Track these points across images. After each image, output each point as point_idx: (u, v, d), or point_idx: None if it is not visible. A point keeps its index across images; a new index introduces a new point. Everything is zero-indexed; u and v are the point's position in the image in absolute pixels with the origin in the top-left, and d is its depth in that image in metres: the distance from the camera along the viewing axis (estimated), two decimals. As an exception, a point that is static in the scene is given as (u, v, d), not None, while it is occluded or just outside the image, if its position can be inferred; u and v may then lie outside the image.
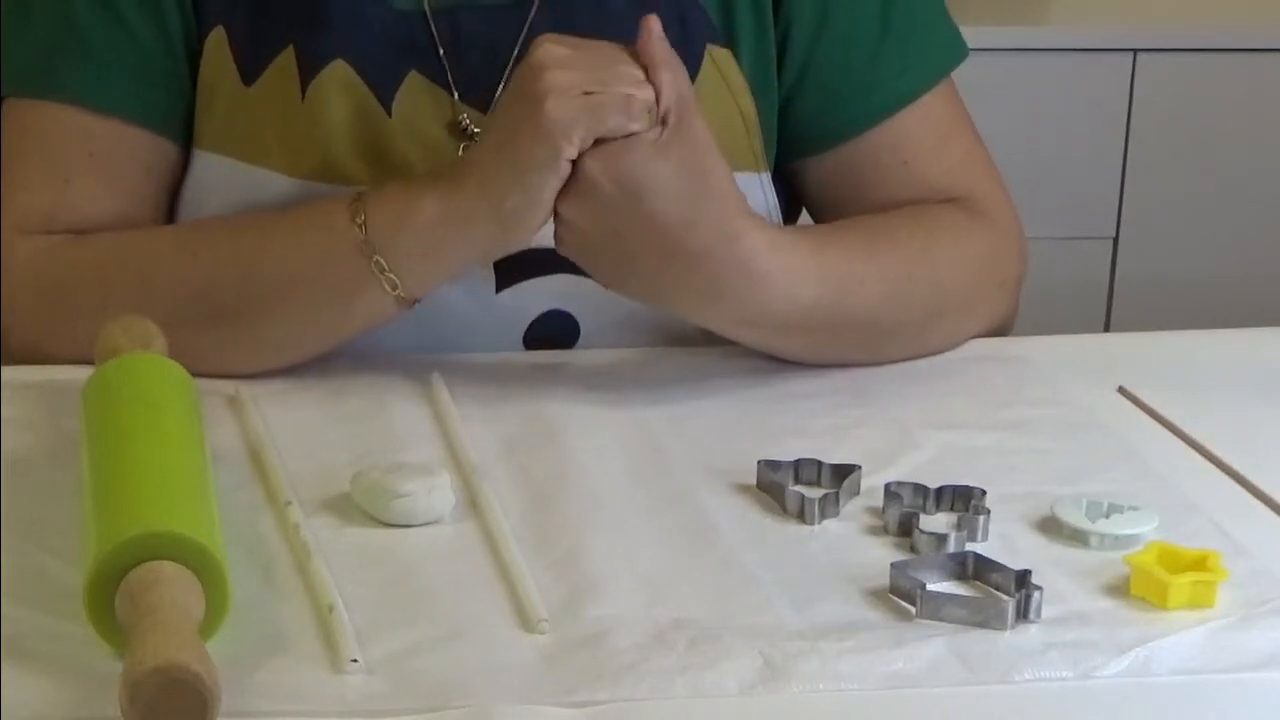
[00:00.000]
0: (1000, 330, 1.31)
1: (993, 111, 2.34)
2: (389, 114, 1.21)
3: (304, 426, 1.12)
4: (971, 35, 2.36)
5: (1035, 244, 2.37)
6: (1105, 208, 2.44)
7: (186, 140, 1.24)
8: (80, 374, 1.07)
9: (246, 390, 1.14)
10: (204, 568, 0.85)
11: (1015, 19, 2.50)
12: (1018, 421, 1.17)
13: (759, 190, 1.27)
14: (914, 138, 1.30)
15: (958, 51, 1.35)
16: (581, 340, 1.26)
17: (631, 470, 1.07)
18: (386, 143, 1.21)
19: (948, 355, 1.28)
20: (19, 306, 1.20)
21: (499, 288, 1.23)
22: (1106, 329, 2.45)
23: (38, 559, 0.94)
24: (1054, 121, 2.39)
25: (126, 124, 1.22)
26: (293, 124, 1.21)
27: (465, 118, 1.22)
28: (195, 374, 1.07)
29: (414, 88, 1.22)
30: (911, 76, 1.30)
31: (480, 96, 1.23)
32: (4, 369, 1.15)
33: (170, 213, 1.26)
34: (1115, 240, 2.45)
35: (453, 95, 1.23)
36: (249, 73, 1.22)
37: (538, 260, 1.20)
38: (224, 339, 1.17)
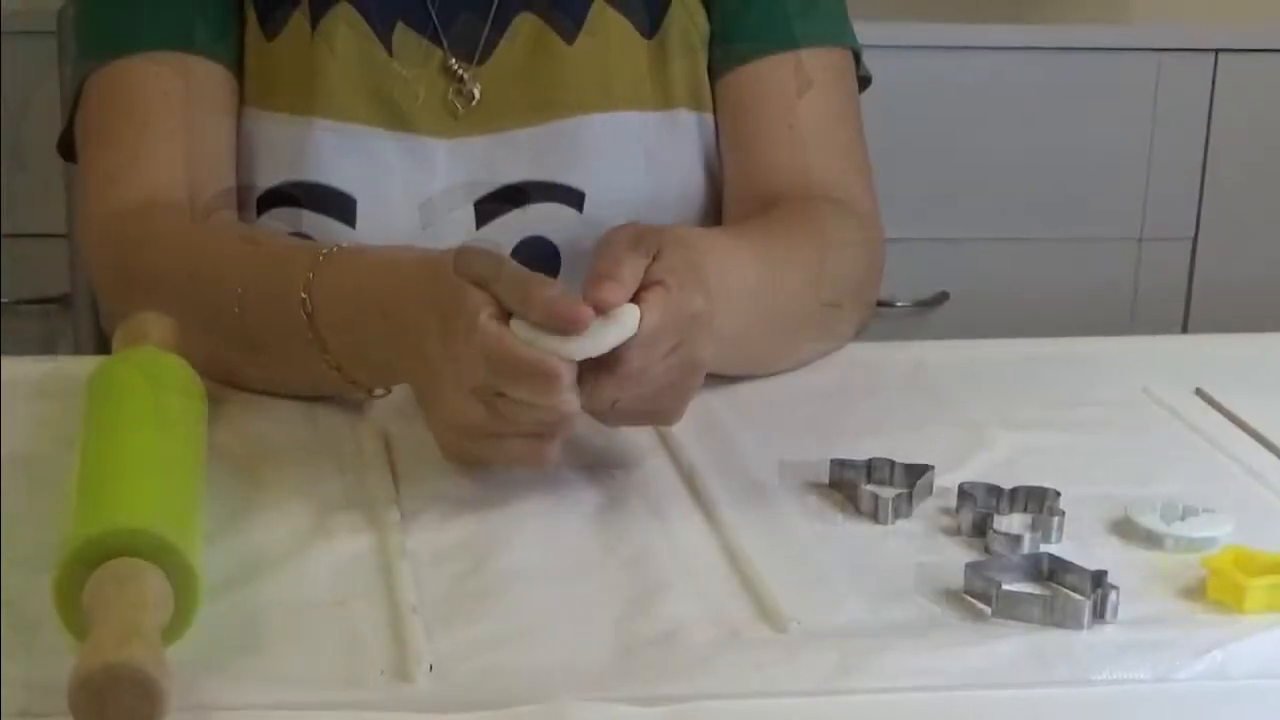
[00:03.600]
0: (866, 322, 1.34)
1: (1072, 110, 2.35)
2: (390, 54, 1.31)
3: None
4: (1051, 34, 2.38)
5: (1113, 245, 2.41)
6: (1185, 208, 2.43)
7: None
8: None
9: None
10: (172, 566, 0.85)
11: (1095, 17, 2.49)
12: (1091, 422, 1.17)
13: (711, 132, 1.35)
14: (803, 99, 1.35)
15: (855, 40, 1.41)
16: (563, 270, 1.31)
17: (701, 467, 1.08)
18: (387, 82, 1.31)
19: (1017, 353, 1.29)
20: (99, 274, 1.28)
21: (479, 225, 1.32)
22: (1184, 330, 2.44)
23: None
24: (1134, 121, 2.38)
25: (198, 57, 1.30)
26: (304, 64, 1.30)
27: (455, 62, 1.32)
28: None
29: (404, 35, 1.32)
30: (812, 24, 1.37)
31: (465, 51, 1.33)
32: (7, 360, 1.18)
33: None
34: (1194, 241, 2.43)
35: (442, 46, 1.33)
36: (270, 27, 1.32)
37: (510, 195, 1.31)
38: (238, 365, 1.18)
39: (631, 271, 1.01)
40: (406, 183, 1.32)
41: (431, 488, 1.04)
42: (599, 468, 1.08)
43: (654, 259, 1.03)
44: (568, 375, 0.98)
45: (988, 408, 1.19)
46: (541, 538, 1.00)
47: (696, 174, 1.36)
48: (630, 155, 1.33)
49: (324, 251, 1.13)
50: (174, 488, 0.93)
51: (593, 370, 1.00)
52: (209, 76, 1.32)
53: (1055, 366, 1.27)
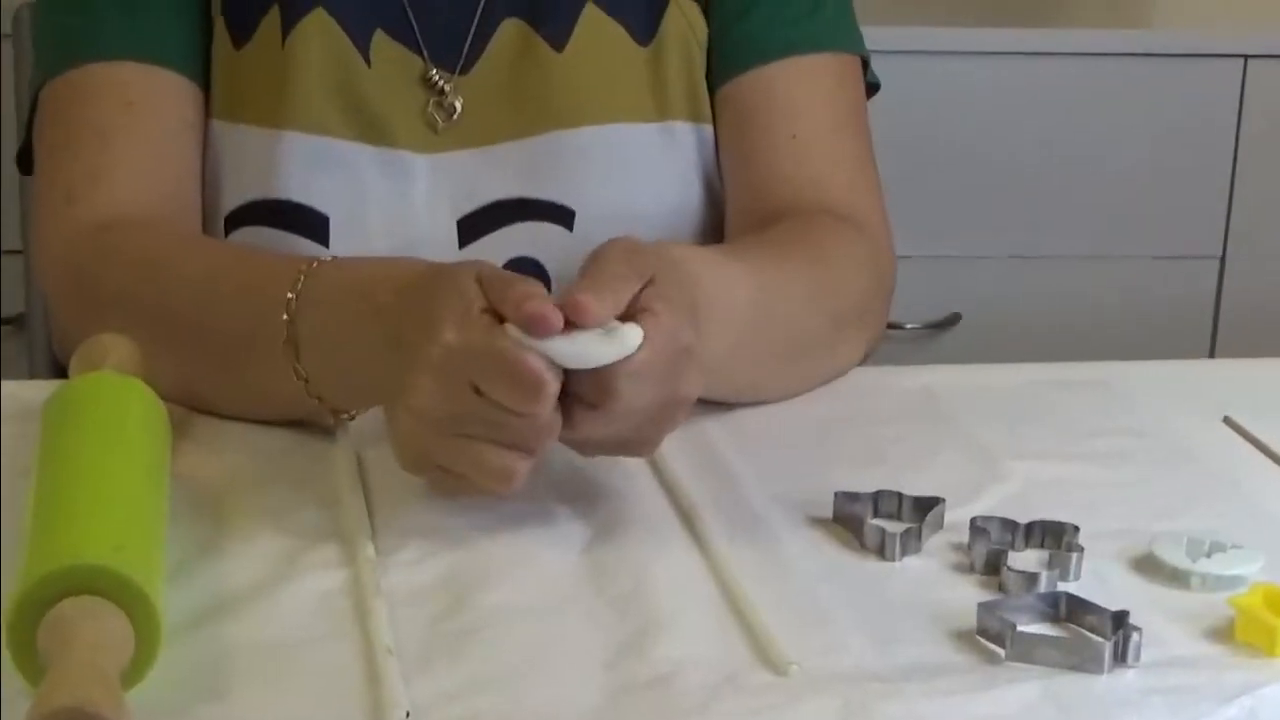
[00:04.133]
0: (875, 346, 1.34)
1: (1091, 120, 2.36)
2: (368, 64, 1.31)
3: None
4: (1068, 39, 2.38)
5: (1137, 263, 2.42)
6: (1212, 224, 2.43)
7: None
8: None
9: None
10: (133, 604, 0.85)
11: (1116, 21, 2.50)
12: (1113, 452, 1.17)
13: (710, 145, 1.36)
14: (806, 107, 1.36)
15: (863, 48, 1.42)
16: (554, 292, 1.29)
17: (698, 500, 1.08)
18: (364, 93, 1.31)
19: (1033, 379, 1.29)
20: (56, 295, 1.28)
21: (461, 244, 1.32)
22: (1211, 354, 2.44)
23: None
24: (1157, 131, 2.39)
25: (161, 68, 1.31)
26: (275, 73, 1.30)
27: (435, 73, 1.33)
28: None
29: (382, 43, 1.32)
30: (817, 29, 1.37)
31: (447, 61, 1.33)
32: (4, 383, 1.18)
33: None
34: (1222, 259, 2.44)
35: (422, 56, 1.33)
36: (239, 35, 1.32)
37: (496, 214, 1.31)
38: (211, 386, 1.18)
39: (620, 290, 1.01)
40: (384, 200, 1.32)
41: (409, 521, 1.05)
42: (587, 500, 1.08)
43: (648, 283, 1.03)
44: (551, 384, 0.98)
45: (1002, 437, 1.19)
46: (526, 575, 1.00)
47: (694, 189, 1.36)
48: (624, 170, 1.34)
49: (318, 259, 1.13)
50: (135, 521, 0.93)
51: (577, 401, 1.00)
52: (172, 88, 1.32)
53: (1074, 393, 1.28)
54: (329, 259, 1.14)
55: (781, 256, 1.24)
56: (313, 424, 1.16)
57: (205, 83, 1.33)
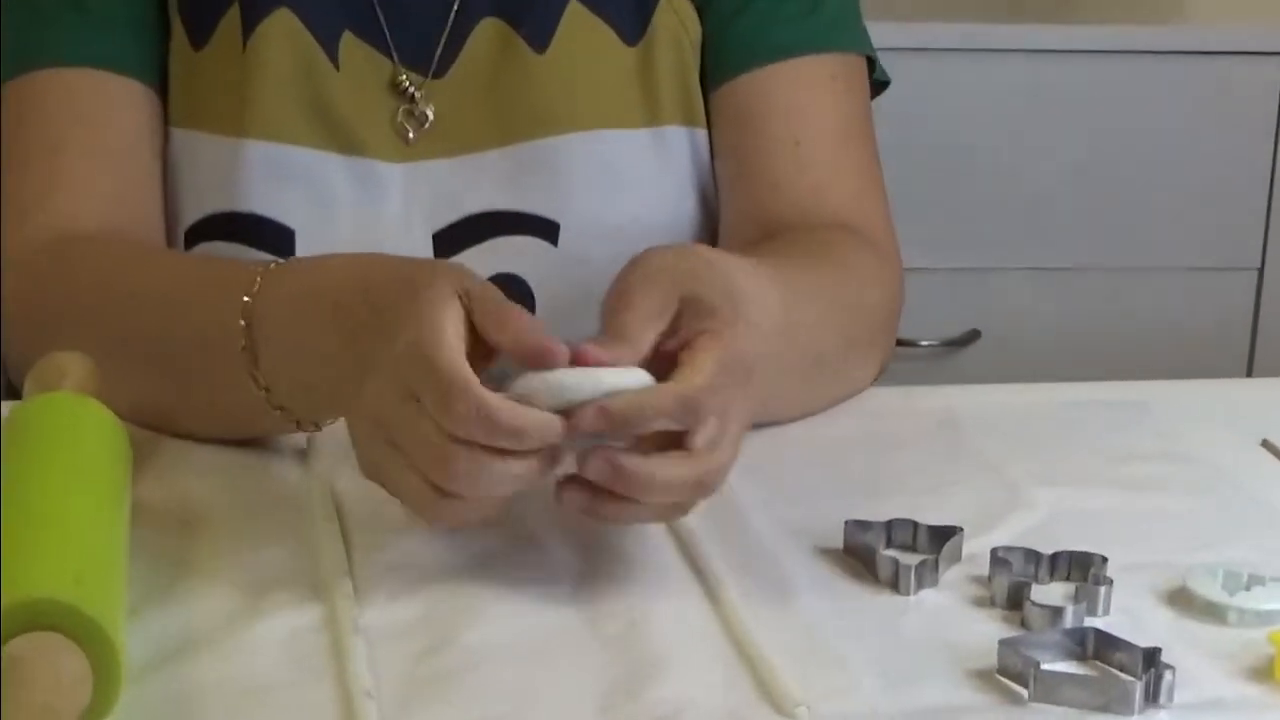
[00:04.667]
0: (885, 366, 1.34)
1: (1119, 122, 2.36)
2: (336, 68, 1.31)
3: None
4: (1095, 36, 2.38)
5: (1170, 275, 2.42)
6: (1250, 234, 2.43)
7: None
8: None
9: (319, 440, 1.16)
10: (92, 642, 0.85)
11: (1145, 17, 2.51)
12: (1144, 478, 1.18)
13: (705, 150, 1.36)
14: (809, 112, 1.35)
15: (869, 46, 1.41)
16: (540, 309, 1.31)
17: (699, 529, 1.08)
18: (332, 98, 1.31)
19: (1058, 399, 1.29)
20: (9, 314, 1.26)
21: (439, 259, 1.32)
22: (1248, 373, 2.45)
23: None
24: (1190, 135, 2.39)
25: (114, 75, 1.31)
26: (235, 77, 1.30)
27: (405, 78, 1.33)
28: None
29: (350, 44, 1.32)
30: (819, 27, 1.37)
31: (419, 63, 1.33)
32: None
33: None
34: (1260, 272, 2.44)
35: (392, 58, 1.33)
36: (198, 36, 1.32)
37: (475, 227, 1.32)
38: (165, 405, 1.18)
39: (639, 335, 1.00)
40: (354, 212, 1.32)
41: (388, 553, 1.05)
42: (577, 531, 1.08)
43: (687, 306, 1.01)
44: (474, 391, 0.94)
45: (1024, 461, 1.19)
46: (514, 611, 1.00)
47: (688, 200, 1.37)
48: (612, 179, 1.34)
49: (275, 261, 1.13)
50: (94, 552, 0.93)
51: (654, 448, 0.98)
52: (127, 96, 1.32)
53: (1102, 414, 1.28)
54: (288, 260, 1.14)
55: (802, 267, 1.24)
56: (284, 448, 1.16)
57: (163, 87, 1.33)
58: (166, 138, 1.33)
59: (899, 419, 1.26)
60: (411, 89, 1.33)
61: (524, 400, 0.96)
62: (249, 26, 1.31)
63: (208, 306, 1.14)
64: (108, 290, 1.21)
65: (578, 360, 0.97)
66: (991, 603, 1.02)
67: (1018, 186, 2.38)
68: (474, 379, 0.95)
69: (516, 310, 1.00)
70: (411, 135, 1.33)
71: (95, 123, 1.31)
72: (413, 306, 0.99)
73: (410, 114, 1.33)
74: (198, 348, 1.14)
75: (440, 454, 0.96)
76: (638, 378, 0.98)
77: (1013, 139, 2.36)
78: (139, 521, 1.03)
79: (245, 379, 1.11)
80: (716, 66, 1.37)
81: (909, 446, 1.22)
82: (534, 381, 0.97)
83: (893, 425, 1.25)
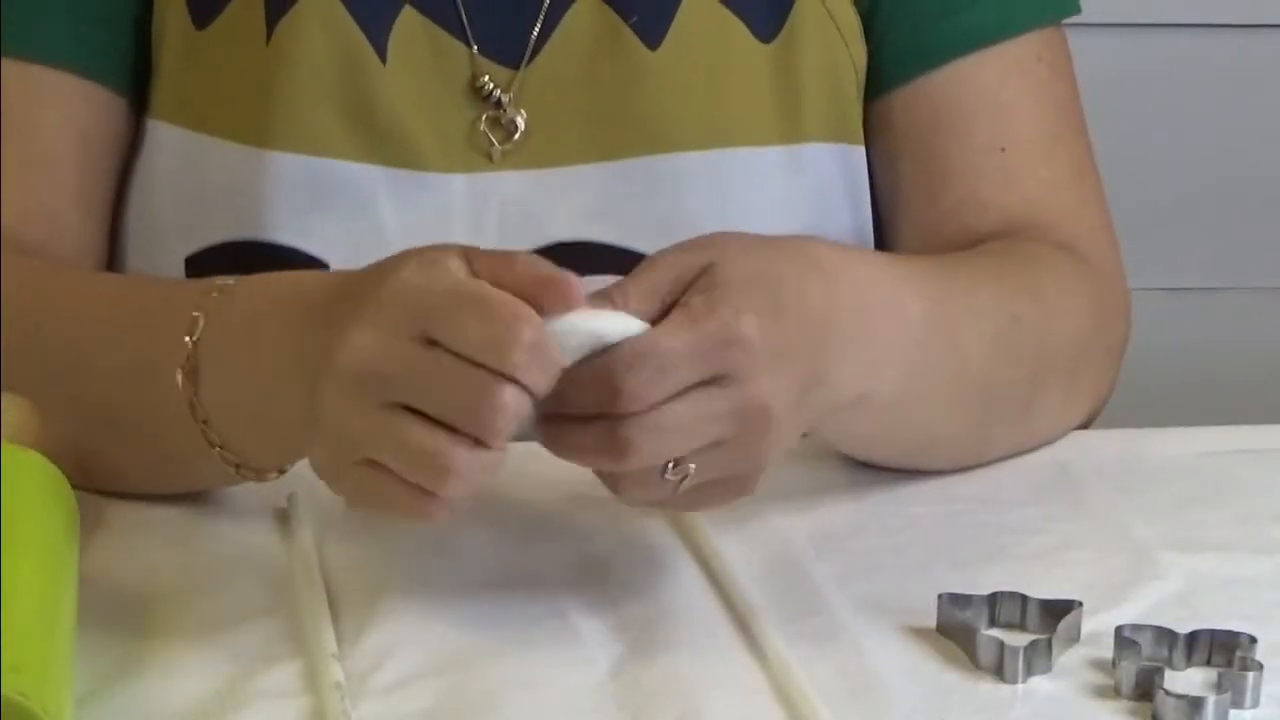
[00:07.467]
0: (1096, 411, 1.33)
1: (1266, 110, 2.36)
2: (383, 61, 1.26)
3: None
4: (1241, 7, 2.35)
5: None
6: None
7: (138, 98, 1.31)
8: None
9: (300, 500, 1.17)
10: None
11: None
12: (1300, 543, 1.18)
13: (860, 173, 1.33)
14: (1015, 109, 1.33)
15: (1070, 4, 1.39)
16: None
17: (762, 605, 1.09)
18: (377, 98, 1.26)
19: (1195, 447, 1.29)
20: None
21: None
22: None
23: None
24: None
25: (44, 67, 1.29)
26: (254, 75, 1.27)
27: (488, 78, 1.28)
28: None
29: (409, 30, 1.28)
30: (1011, 5, 1.34)
31: (503, 52, 1.28)
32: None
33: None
34: None
35: (470, 47, 1.28)
36: (203, 10, 1.28)
37: (561, 261, 1.27)
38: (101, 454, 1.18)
39: (641, 292, 1.02)
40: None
41: (387, 632, 1.05)
42: (616, 604, 1.09)
43: (702, 273, 1.02)
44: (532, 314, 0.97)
45: (1155, 522, 1.20)
46: (537, 704, 1.00)
47: (841, 235, 1.31)
48: (735, 209, 1.28)
49: (222, 282, 1.12)
50: (36, 635, 0.94)
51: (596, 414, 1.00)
52: (60, 92, 1.30)
53: (1249, 465, 1.28)
54: (239, 279, 1.12)
55: (972, 276, 1.22)
56: (258, 507, 1.17)
57: (125, 79, 1.31)
58: (143, 133, 1.31)
59: (1000, 472, 1.26)
60: (496, 90, 1.29)
61: None
62: (275, 14, 1.28)
63: (147, 328, 1.13)
64: (28, 310, 1.20)
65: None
66: (1116, 693, 1.02)
67: (1142, 191, 2.37)
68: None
69: (521, 252, 1.01)
70: (497, 148, 1.30)
71: (30, 124, 1.29)
72: (403, 256, 1.00)
73: (496, 122, 1.29)
74: (126, 376, 1.13)
75: (468, 394, 0.97)
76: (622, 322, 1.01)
77: (1141, 130, 2.35)
78: (88, 597, 1.03)
79: (180, 408, 1.10)
80: (888, 66, 1.33)
81: (1016, 505, 1.22)
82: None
83: (997, 481, 1.25)
